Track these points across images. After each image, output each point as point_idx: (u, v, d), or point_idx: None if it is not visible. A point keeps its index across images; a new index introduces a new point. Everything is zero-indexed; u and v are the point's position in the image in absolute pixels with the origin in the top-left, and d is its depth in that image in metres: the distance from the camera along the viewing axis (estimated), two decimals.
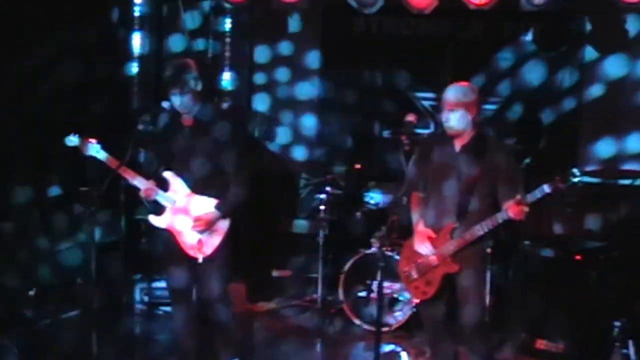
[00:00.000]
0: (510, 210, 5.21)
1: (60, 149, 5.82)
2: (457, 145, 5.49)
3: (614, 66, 8.56)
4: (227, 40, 9.24)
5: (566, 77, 8.75)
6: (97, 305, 6.04)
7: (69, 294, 7.46)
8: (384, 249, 6.95)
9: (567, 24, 8.69)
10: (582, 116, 8.76)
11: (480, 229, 5.35)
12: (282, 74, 9.62)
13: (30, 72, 7.63)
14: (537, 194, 5.18)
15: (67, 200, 8.06)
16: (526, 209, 5.18)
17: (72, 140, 5.77)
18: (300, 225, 9.23)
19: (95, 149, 5.70)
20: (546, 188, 5.14)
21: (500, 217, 5.31)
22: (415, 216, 5.66)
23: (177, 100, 5.50)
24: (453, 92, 5.45)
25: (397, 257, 6.73)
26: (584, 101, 8.71)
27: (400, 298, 7.19)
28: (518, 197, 5.18)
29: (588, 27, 8.64)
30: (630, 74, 8.51)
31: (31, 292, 7.39)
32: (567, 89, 8.78)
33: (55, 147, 5.87)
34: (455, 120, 5.40)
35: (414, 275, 5.60)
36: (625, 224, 7.85)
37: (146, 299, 7.56)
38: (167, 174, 5.67)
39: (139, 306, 7.56)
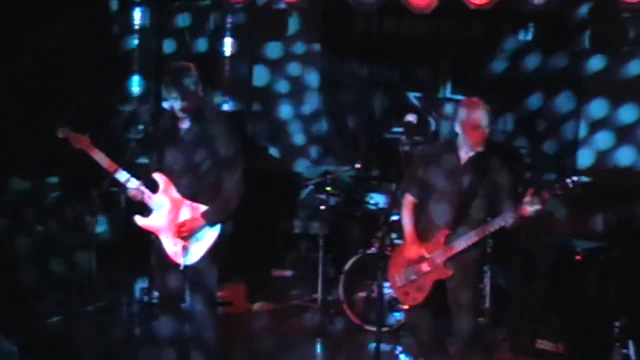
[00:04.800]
0: (508, 220, 5.27)
1: (60, 148, 5.79)
2: (463, 158, 5.50)
3: (614, 65, 8.58)
4: (227, 40, 9.24)
5: (566, 77, 8.76)
6: (97, 305, 6.04)
7: (69, 294, 7.46)
8: (384, 249, 6.95)
9: (567, 24, 8.69)
10: (582, 115, 8.77)
11: (475, 236, 5.36)
12: (282, 74, 9.63)
13: (29, 70, 7.65)
14: (535, 203, 5.20)
15: (67, 200, 8.07)
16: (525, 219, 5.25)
17: (64, 132, 5.66)
18: (300, 225, 9.23)
19: (84, 143, 5.58)
20: (545, 195, 5.18)
21: (496, 224, 5.34)
22: (406, 222, 5.65)
23: (177, 104, 5.41)
24: (486, 116, 5.43)
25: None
26: (583, 100, 8.72)
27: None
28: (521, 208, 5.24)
29: (588, 27, 8.65)
30: (630, 73, 8.52)
31: (31, 292, 7.40)
32: (567, 89, 8.79)
33: (55, 146, 5.84)
34: (483, 139, 5.42)
35: (405, 281, 5.59)
36: (626, 223, 7.85)
37: (146, 299, 7.54)
38: (157, 176, 5.51)
39: (139, 306, 7.54)
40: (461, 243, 5.39)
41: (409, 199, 5.69)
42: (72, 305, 7.23)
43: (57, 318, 7.19)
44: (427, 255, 5.47)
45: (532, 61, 8.87)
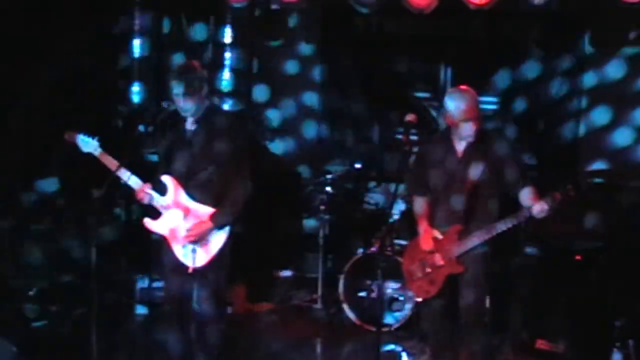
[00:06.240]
0: (535, 208, 5.22)
1: (60, 149, 5.78)
2: (459, 149, 5.47)
3: (614, 66, 8.57)
4: (228, 41, 9.24)
5: (566, 77, 8.76)
6: (97, 305, 6.01)
7: (69, 294, 7.46)
8: (384, 249, 6.95)
9: (567, 24, 8.69)
10: (582, 116, 8.77)
11: (486, 234, 5.36)
12: (282, 74, 9.62)
13: (30, 71, 7.65)
14: (549, 201, 5.18)
15: (68, 200, 8.07)
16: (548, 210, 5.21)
17: (76, 137, 5.62)
18: (301, 225, 9.23)
19: (92, 146, 5.59)
20: (557, 196, 5.16)
21: (509, 223, 5.32)
22: (420, 218, 5.65)
23: (181, 103, 5.35)
24: (476, 106, 5.39)
25: (398, 258, 6.74)
26: (583, 101, 8.72)
27: (400, 298, 7.19)
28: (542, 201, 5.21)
29: (588, 27, 8.65)
30: (630, 73, 8.52)
31: (31, 292, 7.41)
32: (567, 89, 8.79)
33: (55, 146, 5.83)
34: (474, 129, 5.37)
35: (418, 274, 5.61)
36: (626, 223, 7.85)
37: (146, 298, 7.54)
38: (165, 178, 5.48)
39: (139, 306, 7.54)
40: (473, 240, 5.40)
41: (418, 200, 5.69)
42: (72, 306, 7.24)
43: (56, 318, 7.20)
44: (440, 250, 5.48)
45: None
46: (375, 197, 8.01)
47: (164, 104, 5.55)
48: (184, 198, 5.48)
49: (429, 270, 5.55)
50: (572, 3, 8.05)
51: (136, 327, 7.33)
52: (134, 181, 5.52)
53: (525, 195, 5.35)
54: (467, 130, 5.35)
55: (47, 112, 7.80)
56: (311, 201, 8.47)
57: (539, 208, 5.20)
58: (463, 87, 5.53)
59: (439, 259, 5.50)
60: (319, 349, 7.17)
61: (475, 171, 5.39)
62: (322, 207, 7.91)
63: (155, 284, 7.48)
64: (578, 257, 6.66)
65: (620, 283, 6.58)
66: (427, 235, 5.53)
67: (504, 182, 5.42)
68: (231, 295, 7.53)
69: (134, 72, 8.83)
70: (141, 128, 8.45)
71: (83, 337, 6.00)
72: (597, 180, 7.98)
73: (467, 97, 5.39)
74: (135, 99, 8.80)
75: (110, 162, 5.52)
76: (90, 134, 5.64)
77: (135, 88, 8.82)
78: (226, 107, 9.07)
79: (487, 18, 8.62)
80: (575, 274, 6.62)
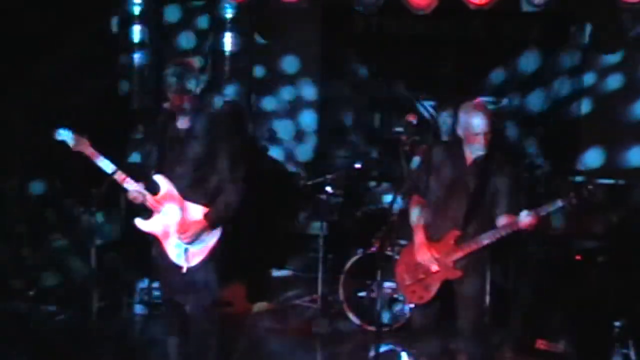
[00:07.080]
0: (522, 223, 5.22)
1: (60, 149, 5.77)
2: (469, 158, 5.48)
3: (614, 66, 8.59)
4: (227, 40, 9.24)
5: (566, 77, 8.77)
6: (97, 305, 6.03)
7: (68, 294, 7.46)
8: (384, 249, 6.94)
9: (567, 24, 8.70)
10: (582, 115, 8.78)
11: (487, 239, 5.35)
12: (282, 74, 9.63)
13: (28, 70, 7.64)
14: (550, 207, 5.18)
15: (67, 200, 8.08)
16: (536, 221, 5.20)
17: (62, 133, 5.55)
18: (301, 225, 9.22)
19: (81, 143, 5.49)
20: (560, 202, 5.16)
21: (509, 229, 5.31)
22: (415, 221, 5.61)
23: (175, 101, 5.33)
24: (487, 121, 5.35)
25: (397, 257, 6.74)
26: (583, 100, 8.73)
27: (400, 298, 7.18)
28: (530, 212, 5.19)
29: (588, 27, 8.67)
30: (630, 73, 8.53)
31: (31, 293, 7.41)
32: (567, 88, 8.80)
33: (55, 147, 5.81)
34: (485, 143, 5.38)
35: (412, 279, 5.59)
36: (626, 223, 7.86)
37: (146, 298, 7.54)
38: (158, 178, 5.45)
39: (139, 306, 7.54)
40: (471, 245, 5.39)
41: (416, 200, 5.67)
42: (72, 306, 7.24)
43: (57, 318, 7.20)
44: (436, 256, 5.47)
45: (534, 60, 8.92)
46: (375, 197, 8.01)
47: (165, 105, 5.49)
48: (177, 197, 5.46)
49: (423, 276, 5.54)
50: (572, 3, 8.08)
51: (136, 327, 7.33)
52: (126, 181, 5.47)
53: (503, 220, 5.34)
54: (478, 143, 5.37)
55: (45, 112, 7.80)
56: (311, 201, 8.47)
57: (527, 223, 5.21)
58: (477, 101, 5.53)
59: (434, 265, 5.48)
60: (319, 349, 7.16)
61: (480, 182, 5.39)
62: (322, 207, 7.90)
63: (155, 284, 7.47)
64: (578, 257, 6.66)
65: (620, 283, 6.59)
66: (422, 243, 5.52)
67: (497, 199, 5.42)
68: (231, 295, 7.54)
69: (133, 72, 8.85)
70: (140, 128, 8.44)
71: (83, 337, 6.02)
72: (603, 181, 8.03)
73: (480, 112, 5.40)
74: (135, 99, 8.82)
75: (101, 161, 5.45)
76: (82, 132, 5.59)
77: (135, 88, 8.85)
78: (223, 109, 9.07)
79: (487, 18, 8.64)
80: (575, 274, 6.62)
